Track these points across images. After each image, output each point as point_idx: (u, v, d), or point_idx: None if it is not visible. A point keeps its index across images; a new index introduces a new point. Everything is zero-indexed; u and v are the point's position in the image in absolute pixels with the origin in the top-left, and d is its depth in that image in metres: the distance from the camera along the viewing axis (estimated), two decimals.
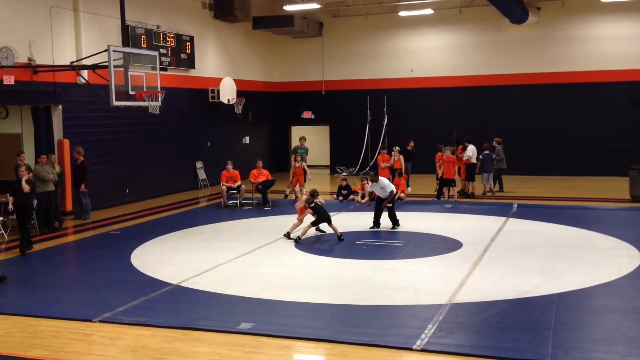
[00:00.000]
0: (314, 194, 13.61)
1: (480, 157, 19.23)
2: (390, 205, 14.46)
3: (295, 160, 18.70)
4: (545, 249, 12.15)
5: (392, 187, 14.52)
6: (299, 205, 14.14)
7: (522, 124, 24.39)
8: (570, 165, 23.95)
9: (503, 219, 15.44)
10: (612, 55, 23.70)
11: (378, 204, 14.61)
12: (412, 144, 21.04)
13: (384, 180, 14.63)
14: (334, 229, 13.43)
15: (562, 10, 24.20)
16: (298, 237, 13.28)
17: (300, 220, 13.71)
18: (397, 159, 19.35)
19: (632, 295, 9.14)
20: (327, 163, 28.13)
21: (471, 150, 19.10)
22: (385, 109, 26.09)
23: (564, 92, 24.33)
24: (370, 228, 14.55)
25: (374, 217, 14.59)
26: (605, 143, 23.77)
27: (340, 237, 13.25)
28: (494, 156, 19.34)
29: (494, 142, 19.71)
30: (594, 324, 7.96)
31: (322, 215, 13.48)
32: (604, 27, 23.84)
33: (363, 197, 18.35)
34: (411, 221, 15.10)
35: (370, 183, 14.95)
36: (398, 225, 14.52)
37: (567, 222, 14.75)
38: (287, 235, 13.54)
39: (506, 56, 24.91)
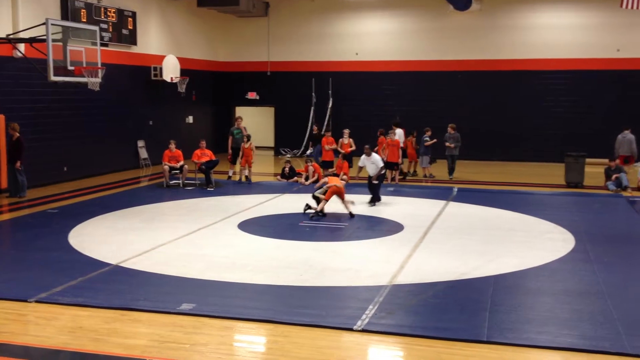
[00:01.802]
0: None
1: (427, 139, 19.62)
2: (377, 181, 14.96)
3: (244, 141, 18.60)
4: (483, 232, 12.44)
5: (382, 164, 15.15)
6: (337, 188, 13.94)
7: (463, 110, 24.81)
8: (509, 151, 24.54)
9: (443, 202, 15.72)
10: (551, 44, 24.31)
11: (370, 182, 15.11)
12: (315, 128, 22.38)
13: (375, 155, 15.23)
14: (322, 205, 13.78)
15: None
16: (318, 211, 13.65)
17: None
18: (347, 141, 19.42)
19: (565, 278, 9.45)
20: (272, 144, 28.04)
21: (398, 134, 19.39)
22: (330, 92, 26.13)
23: (505, 79, 24.85)
24: (370, 204, 15.01)
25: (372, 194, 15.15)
26: (542, 130, 24.45)
27: (319, 213, 13.68)
28: (447, 142, 19.57)
29: (448, 128, 19.82)
30: (529, 306, 8.21)
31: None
32: (545, 16, 24.41)
33: (307, 178, 18.39)
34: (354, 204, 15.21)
35: (363, 156, 15.40)
36: (378, 201, 15.04)
37: (505, 207, 15.13)
38: (317, 214, 13.73)
39: (450, 42, 25.24)
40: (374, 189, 15.17)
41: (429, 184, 18.95)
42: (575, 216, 14.07)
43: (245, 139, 18.75)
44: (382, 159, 15.85)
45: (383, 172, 15.35)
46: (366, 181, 15.50)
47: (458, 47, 25.16)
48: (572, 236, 12.04)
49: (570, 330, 7.31)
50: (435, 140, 19.60)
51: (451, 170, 19.81)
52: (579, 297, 8.55)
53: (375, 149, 18.58)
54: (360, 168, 16.23)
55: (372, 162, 15.11)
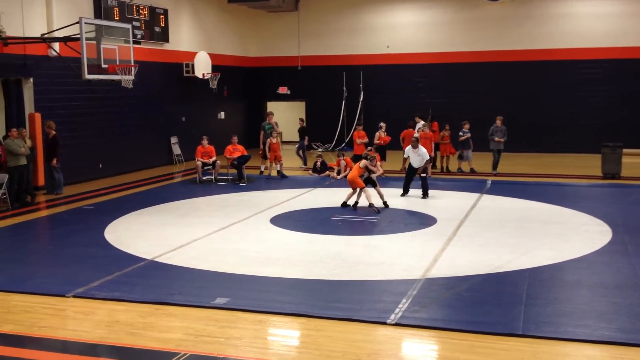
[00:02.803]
0: (369, 157, 14.30)
1: (461, 134, 19.24)
2: (424, 175, 15.14)
3: (272, 136, 18.69)
4: (518, 224, 12.29)
5: (428, 157, 15.27)
6: (351, 175, 14.16)
7: (497, 102, 24.51)
8: (543, 142, 24.20)
9: (477, 195, 15.57)
10: (586, 33, 23.87)
11: (409, 172, 15.28)
12: (300, 121, 22.46)
13: (422, 148, 15.27)
14: (379, 192, 14.09)
15: None
16: (374, 206, 13.71)
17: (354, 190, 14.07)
18: (383, 135, 19.37)
19: (602, 271, 9.29)
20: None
21: (418, 126, 19.37)
22: (361, 85, 26.04)
23: (539, 69, 24.49)
24: (401, 195, 15.22)
25: (404, 184, 15.36)
26: (578, 120, 24.04)
27: (385, 204, 14.00)
28: (496, 137, 18.72)
29: (497, 121, 18.98)
30: (565, 299, 8.09)
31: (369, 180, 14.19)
32: (579, 4, 23.99)
33: (339, 173, 18.38)
34: (386, 197, 15.16)
35: (409, 147, 15.52)
36: (427, 195, 15.13)
37: (540, 199, 14.92)
38: (353, 205, 14.03)
39: (482, 33, 24.96)
40: (423, 181, 15.27)
41: (461, 177, 18.76)
42: (612, 208, 13.82)
43: (274, 134, 18.80)
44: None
45: (428, 164, 15.58)
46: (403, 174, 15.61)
47: (490, 38, 24.86)
48: (609, 228, 11.83)
49: (608, 324, 7.18)
50: (468, 135, 19.19)
51: (496, 164, 18.96)
52: (616, 289, 8.39)
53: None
54: (405, 159, 16.24)
55: (418, 155, 15.16)
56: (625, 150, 18.55)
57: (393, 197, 14.81)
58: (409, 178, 15.49)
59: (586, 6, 23.87)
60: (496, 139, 18.79)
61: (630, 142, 20.74)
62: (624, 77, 23.62)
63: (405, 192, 15.44)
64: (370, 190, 13.97)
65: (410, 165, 15.51)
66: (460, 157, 19.48)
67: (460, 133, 19.27)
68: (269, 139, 18.77)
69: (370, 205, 13.69)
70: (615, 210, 13.56)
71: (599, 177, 18.21)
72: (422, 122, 19.53)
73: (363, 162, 14.21)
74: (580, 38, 23.91)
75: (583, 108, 24.02)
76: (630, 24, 23.39)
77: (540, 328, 7.05)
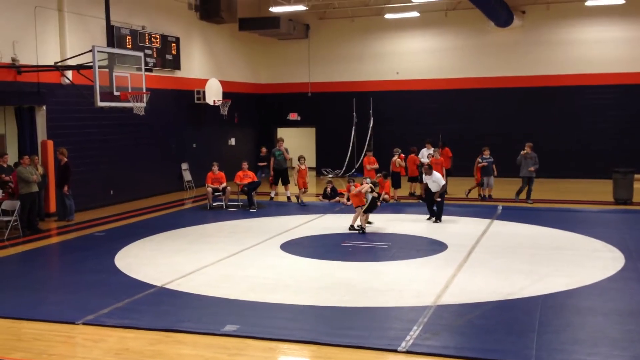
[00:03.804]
0: (376, 183, 14.75)
1: (479, 160, 18.91)
2: (440, 199, 15.33)
3: (300, 163, 18.66)
4: (530, 251, 12.21)
5: (444, 182, 15.55)
6: (353, 192, 14.64)
7: (506, 127, 24.55)
8: (554, 168, 24.09)
9: (488, 221, 15.51)
10: (595, 59, 23.91)
11: (428, 196, 15.65)
12: (263, 149, 21.82)
13: (437, 174, 15.56)
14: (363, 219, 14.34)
15: (547, 14, 24.39)
16: (360, 226, 14.17)
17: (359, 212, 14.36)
18: (395, 160, 19.38)
19: (615, 297, 9.19)
20: (313, 165, 28.07)
21: (421, 153, 19.36)
22: (371, 111, 26.14)
23: (549, 95, 24.51)
24: (428, 219, 15.60)
25: (428, 208, 15.71)
26: (589, 146, 23.98)
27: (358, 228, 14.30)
28: (530, 167, 18.22)
29: (526, 148, 18.42)
30: (578, 326, 8.01)
31: (371, 205, 14.34)
32: (588, 31, 24.06)
33: (348, 199, 18.35)
34: (396, 223, 15.14)
35: (424, 175, 15.91)
36: (440, 220, 15.38)
37: (552, 224, 14.83)
38: (355, 228, 14.30)
39: (491, 59, 25.06)
40: (439, 207, 15.46)
41: (472, 203, 18.68)
42: (624, 234, 13.70)
43: (302, 160, 18.78)
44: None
45: (445, 189, 15.68)
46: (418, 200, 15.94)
47: (499, 64, 24.95)
48: (622, 254, 11.72)
49: (622, 351, 7.09)
50: (485, 163, 18.78)
51: (529, 193, 18.37)
52: (630, 316, 8.30)
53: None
54: (426, 185, 16.38)
55: (434, 181, 15.41)
56: (636, 176, 18.45)
57: (409, 222, 14.75)
58: (430, 202, 15.69)
59: (595, 32, 23.93)
60: (530, 169, 18.21)
61: None
62: (635, 102, 23.59)
63: (432, 216, 15.65)
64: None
65: (428, 190, 15.71)
66: (481, 184, 19.17)
67: (479, 159, 18.94)
68: (296, 165, 18.82)
69: (352, 226, 14.27)
70: (627, 236, 13.45)
71: (610, 202, 18.09)
72: (433, 149, 19.52)
73: (366, 187, 14.34)
74: (589, 64, 23.95)
75: (594, 134, 23.97)
76: (639, 49, 23.40)
77: (553, 356, 6.97)
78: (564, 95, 24.34)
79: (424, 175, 16.01)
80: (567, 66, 24.23)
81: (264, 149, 21.69)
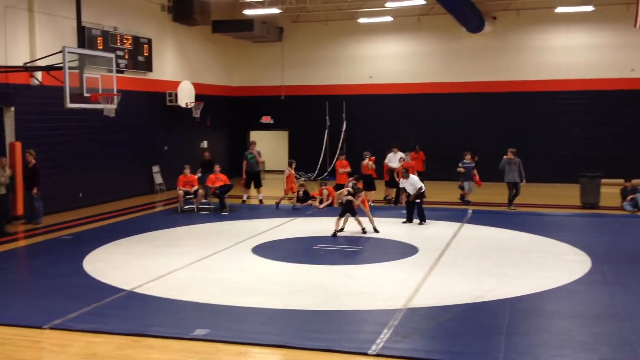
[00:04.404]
0: (358, 188, 14.73)
1: (460, 165, 18.93)
2: (418, 201, 15.55)
3: (290, 167, 18.67)
4: (499, 254, 12.34)
5: (421, 184, 15.69)
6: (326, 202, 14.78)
7: (478, 132, 24.79)
8: (524, 172, 24.34)
9: (458, 224, 15.65)
10: (565, 65, 24.27)
11: (409, 201, 15.89)
12: (206, 154, 21.27)
13: (413, 177, 15.86)
14: (359, 221, 14.45)
15: (517, 20, 24.70)
16: (338, 230, 14.25)
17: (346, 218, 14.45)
18: (366, 164, 19.42)
19: (582, 300, 9.34)
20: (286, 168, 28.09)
21: (388, 158, 19.39)
22: (344, 115, 26.21)
23: (519, 100, 24.80)
24: (403, 222, 15.75)
25: (408, 212, 15.88)
26: (557, 151, 24.32)
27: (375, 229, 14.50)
28: (514, 172, 18.07)
29: (508, 153, 18.18)
30: (545, 328, 8.11)
31: (345, 209, 14.49)
32: (558, 37, 24.41)
33: (321, 202, 18.40)
34: (368, 226, 15.17)
35: (401, 179, 16.24)
36: (424, 221, 15.61)
37: (520, 228, 15.02)
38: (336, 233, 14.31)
39: (463, 64, 25.29)
40: (419, 209, 15.68)
41: (443, 206, 18.82)
42: (592, 237, 13.93)
43: (293, 165, 18.84)
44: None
45: (422, 191, 15.81)
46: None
47: (471, 69, 25.20)
48: (589, 257, 11.90)
49: (588, 354, 7.20)
50: (462, 169, 18.82)
51: (513, 199, 18.31)
52: (596, 319, 8.44)
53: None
54: (403, 189, 16.66)
55: (411, 184, 15.69)
56: (603, 180, 18.75)
57: (380, 225, 14.79)
58: (410, 206, 15.86)
59: (564, 38, 24.29)
60: (523, 183, 18.15)
61: (608, 172, 20.99)
62: (602, 108, 24.00)
63: (408, 220, 15.83)
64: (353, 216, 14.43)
65: (408, 194, 15.94)
66: (461, 188, 19.22)
67: (460, 164, 18.91)
68: (286, 169, 18.83)
69: (341, 229, 14.39)
70: (594, 239, 13.66)
71: (578, 207, 18.37)
72: (405, 153, 19.45)
73: (344, 191, 14.41)
74: (559, 69, 24.31)
75: (562, 138, 24.31)
76: (607, 55, 23.82)
77: (521, 358, 7.06)
78: (533, 100, 24.66)
79: (401, 179, 16.20)
80: (537, 72, 24.55)
81: (206, 154, 21.10)
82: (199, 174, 19.37)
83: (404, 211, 16.46)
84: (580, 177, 18.67)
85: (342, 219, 14.43)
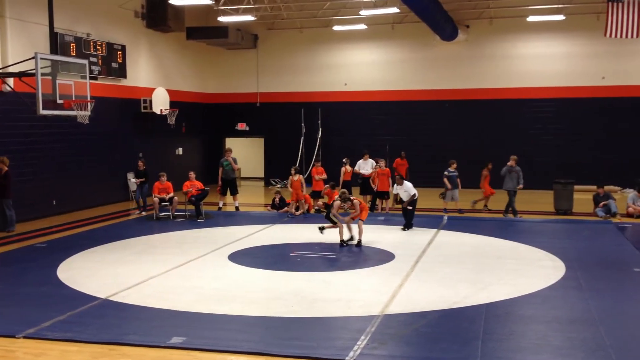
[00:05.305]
0: (346, 198, 14.26)
1: (445, 173, 18.62)
2: (411, 207, 15.73)
3: (292, 174, 18.29)
4: (474, 260, 12.44)
5: (415, 191, 15.84)
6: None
7: (451, 139, 24.99)
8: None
9: (434, 231, 15.74)
10: (537, 72, 24.60)
11: (404, 209, 16.04)
12: (140, 163, 19.48)
13: (407, 183, 16.00)
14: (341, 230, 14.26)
15: (490, 28, 25.00)
16: (346, 240, 14.10)
17: (342, 225, 14.21)
18: (349, 170, 19.39)
19: (557, 306, 9.44)
20: (262, 175, 28.07)
21: (357, 165, 19.41)
22: (319, 122, 26.26)
23: (492, 107, 25.08)
24: (402, 229, 15.83)
25: (405, 220, 16.03)
26: (531, 157, 24.52)
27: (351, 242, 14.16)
28: (518, 182, 17.97)
29: (510, 161, 18.11)
30: (521, 334, 8.19)
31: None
32: (530, 45, 24.75)
33: (297, 209, 18.37)
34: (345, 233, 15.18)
35: (395, 185, 16.39)
36: (411, 227, 15.87)
37: (495, 234, 15.16)
38: (344, 242, 14.10)
39: (436, 72, 25.51)
40: (409, 215, 15.89)
41: (418, 213, 18.86)
42: (565, 243, 14.10)
43: (293, 172, 18.45)
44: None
45: (415, 198, 15.96)
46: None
47: (445, 77, 25.41)
48: (563, 263, 12.06)
49: (563, 358, 7.29)
50: (448, 176, 18.48)
51: (508, 207, 18.21)
52: (571, 324, 8.53)
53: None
54: (395, 195, 16.86)
55: (405, 190, 15.89)
56: (576, 187, 19.02)
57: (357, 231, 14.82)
58: (406, 212, 16.02)
59: (537, 47, 24.63)
60: (519, 187, 18.02)
61: (581, 178, 21.29)
62: (575, 115, 24.35)
63: (407, 228, 15.97)
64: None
65: (402, 201, 16.17)
66: (442, 196, 18.87)
67: (446, 172, 18.58)
68: (290, 177, 18.49)
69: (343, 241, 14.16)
70: (568, 245, 13.84)
71: (551, 212, 18.60)
72: (374, 161, 19.34)
73: (336, 204, 14.31)
74: (532, 77, 24.63)
75: (535, 145, 24.60)
76: (579, 64, 24.20)
77: None
78: (506, 107, 24.95)
79: (395, 185, 16.39)
80: (510, 79, 24.85)
81: (140, 163, 19.42)
82: (137, 183, 18.97)
83: (382, 217, 16.52)
84: (553, 183, 18.92)
85: (346, 227, 14.23)
